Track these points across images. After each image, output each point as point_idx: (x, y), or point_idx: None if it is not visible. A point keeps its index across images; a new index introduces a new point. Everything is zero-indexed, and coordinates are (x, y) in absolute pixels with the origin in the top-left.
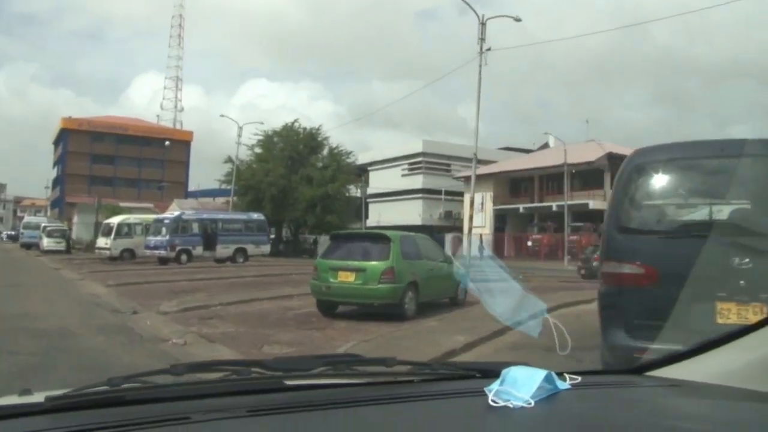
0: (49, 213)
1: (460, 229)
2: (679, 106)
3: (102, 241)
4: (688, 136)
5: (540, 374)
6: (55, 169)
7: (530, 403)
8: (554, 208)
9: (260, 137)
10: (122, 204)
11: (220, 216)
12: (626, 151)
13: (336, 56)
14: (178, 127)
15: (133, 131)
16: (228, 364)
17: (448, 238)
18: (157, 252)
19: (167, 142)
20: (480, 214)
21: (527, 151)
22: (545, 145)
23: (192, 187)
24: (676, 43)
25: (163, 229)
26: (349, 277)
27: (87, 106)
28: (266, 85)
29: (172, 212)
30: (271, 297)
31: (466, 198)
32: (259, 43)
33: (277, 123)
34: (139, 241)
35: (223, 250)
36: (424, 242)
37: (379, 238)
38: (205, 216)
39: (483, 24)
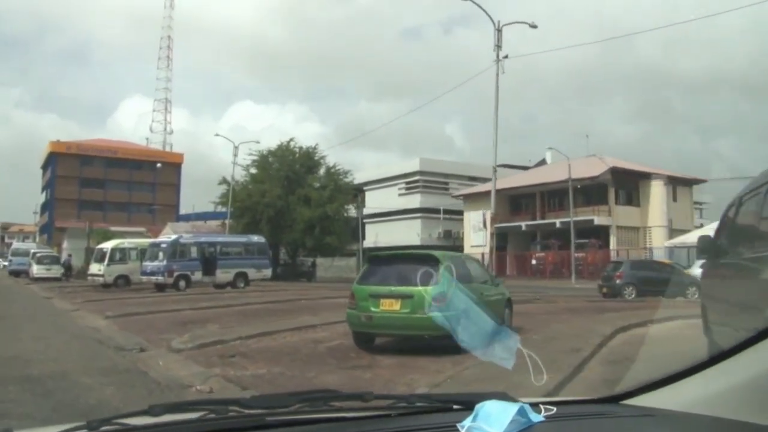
0: (37, 239)
1: (460, 249)
2: (664, 118)
3: (95, 268)
4: (675, 149)
5: (513, 408)
6: (44, 193)
7: None
8: (558, 225)
9: (255, 157)
10: (113, 228)
11: (220, 239)
12: (629, 166)
13: (321, 77)
14: (167, 149)
15: (123, 154)
16: (206, 403)
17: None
18: (153, 278)
19: (159, 164)
20: (481, 232)
21: (524, 168)
22: (542, 162)
23: (183, 210)
24: (658, 56)
25: (160, 254)
26: (393, 305)
27: (73, 130)
28: (252, 107)
29: (168, 236)
30: (292, 328)
31: (467, 216)
32: (244, 64)
33: (264, 145)
34: (133, 267)
35: (223, 275)
36: (470, 262)
37: (424, 259)
38: (203, 239)
39: (499, 30)
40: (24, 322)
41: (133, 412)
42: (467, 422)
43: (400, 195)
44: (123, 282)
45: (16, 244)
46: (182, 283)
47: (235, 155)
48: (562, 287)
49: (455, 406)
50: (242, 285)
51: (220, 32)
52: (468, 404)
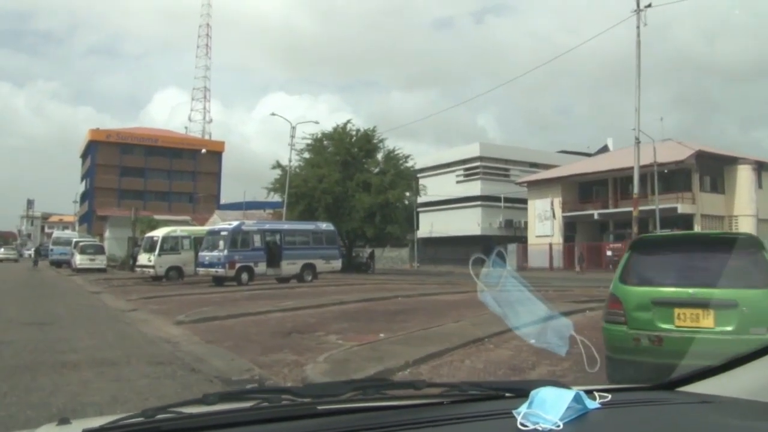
0: (77, 228)
1: (521, 239)
2: (702, 107)
3: (144, 258)
4: (713, 138)
5: (569, 394)
6: (83, 183)
7: (559, 426)
8: (635, 214)
9: (309, 141)
10: (157, 217)
11: (285, 226)
12: (715, 150)
13: (353, 69)
14: (206, 138)
15: (163, 142)
16: (259, 392)
17: (511, 248)
18: (212, 270)
19: (204, 150)
20: (547, 222)
21: (586, 155)
22: (604, 148)
23: (223, 200)
24: (697, 43)
25: (220, 243)
26: (703, 320)
27: (107, 122)
28: (285, 99)
29: (228, 223)
30: (458, 345)
31: (531, 205)
32: (276, 57)
33: (297, 135)
34: (187, 257)
35: (289, 266)
36: None
37: (739, 245)
38: (267, 227)
39: None
40: (75, 331)
41: (189, 401)
42: (523, 408)
43: (458, 182)
44: (175, 274)
45: (57, 233)
46: (245, 276)
47: (293, 136)
48: None
49: (507, 394)
50: (309, 278)
51: (251, 25)
52: (520, 392)
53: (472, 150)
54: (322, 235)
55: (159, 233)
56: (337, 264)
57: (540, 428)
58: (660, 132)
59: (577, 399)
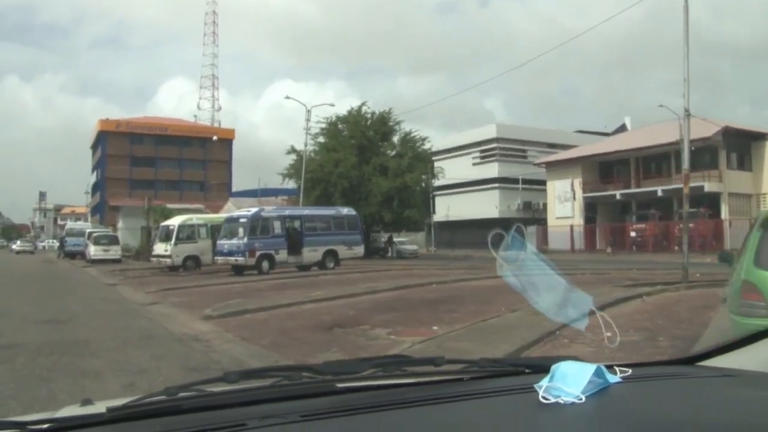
0: (90, 219)
1: (540, 221)
2: (712, 87)
3: (161, 248)
4: (724, 119)
5: (590, 369)
6: (94, 173)
7: (581, 399)
8: (660, 193)
9: (323, 125)
10: (170, 206)
11: (306, 212)
12: (742, 126)
13: (359, 55)
14: (216, 126)
15: (173, 131)
16: (280, 369)
17: (531, 230)
18: (231, 259)
19: (215, 137)
20: (567, 203)
21: (604, 135)
22: (622, 128)
23: (234, 188)
24: (707, 22)
25: (240, 230)
26: None
27: (115, 113)
28: (292, 86)
29: (248, 209)
30: (532, 341)
31: (550, 186)
32: (281, 45)
33: (302, 122)
34: (204, 246)
35: (310, 253)
36: None
37: None
38: (287, 213)
39: None
40: (94, 330)
41: (210, 379)
42: (544, 382)
43: (474, 164)
44: (193, 264)
45: (70, 224)
46: (265, 265)
47: (308, 119)
48: (679, 262)
49: (527, 370)
50: (332, 265)
51: (255, 13)
52: (539, 368)
53: (489, 131)
54: (343, 220)
55: (175, 222)
56: (360, 250)
57: (562, 401)
58: (678, 110)
59: (598, 373)
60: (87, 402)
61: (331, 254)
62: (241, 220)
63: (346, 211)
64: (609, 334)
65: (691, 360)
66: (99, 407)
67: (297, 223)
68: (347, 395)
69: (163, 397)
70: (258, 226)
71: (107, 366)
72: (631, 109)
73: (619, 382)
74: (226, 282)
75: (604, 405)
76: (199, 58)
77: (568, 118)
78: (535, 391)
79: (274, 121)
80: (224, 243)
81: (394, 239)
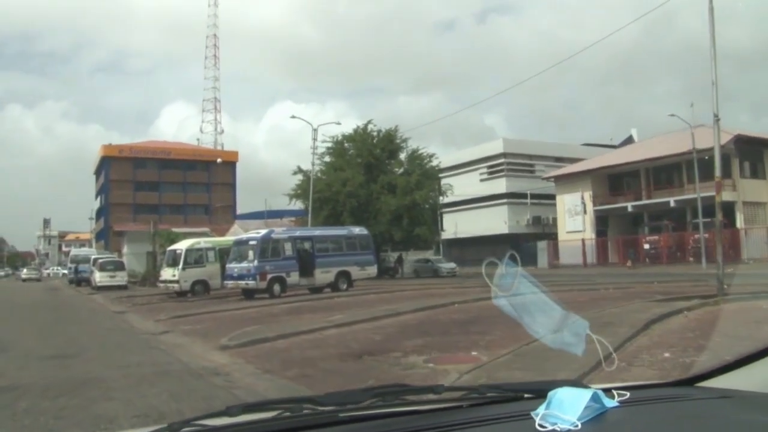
0: (94, 245)
1: (550, 236)
2: (710, 98)
3: (168, 273)
4: (728, 126)
5: (586, 394)
6: (98, 199)
7: (577, 426)
8: (672, 204)
9: (329, 144)
10: (175, 230)
11: (317, 233)
12: (755, 134)
13: (358, 75)
14: (219, 149)
15: (176, 155)
16: (281, 402)
17: (541, 246)
18: (242, 282)
19: (219, 159)
20: (578, 217)
21: (611, 147)
22: (629, 140)
23: (239, 210)
24: (702, 30)
25: (249, 253)
26: None
27: (117, 139)
28: (293, 108)
29: (258, 231)
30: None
31: (560, 200)
32: (281, 67)
33: (305, 143)
34: (212, 270)
35: (322, 275)
36: None
37: None
38: (298, 233)
39: None
40: (104, 366)
41: (212, 413)
42: (541, 410)
43: (481, 180)
44: (201, 288)
45: (75, 250)
46: (277, 288)
47: (315, 138)
48: (694, 273)
49: (526, 395)
50: (344, 286)
51: (254, 36)
52: (539, 392)
53: (496, 147)
54: (355, 240)
55: (182, 246)
56: (373, 270)
57: (558, 428)
58: (681, 120)
59: (594, 398)
60: None
61: (344, 275)
62: (251, 242)
63: (358, 230)
64: (606, 357)
65: (691, 381)
66: None
67: (308, 245)
68: (348, 425)
69: None
70: (268, 248)
71: (122, 410)
72: (635, 121)
73: (616, 407)
74: (237, 307)
75: (599, 431)
76: (199, 82)
77: (571, 132)
78: (532, 418)
79: (275, 143)
80: (234, 266)
81: (431, 258)
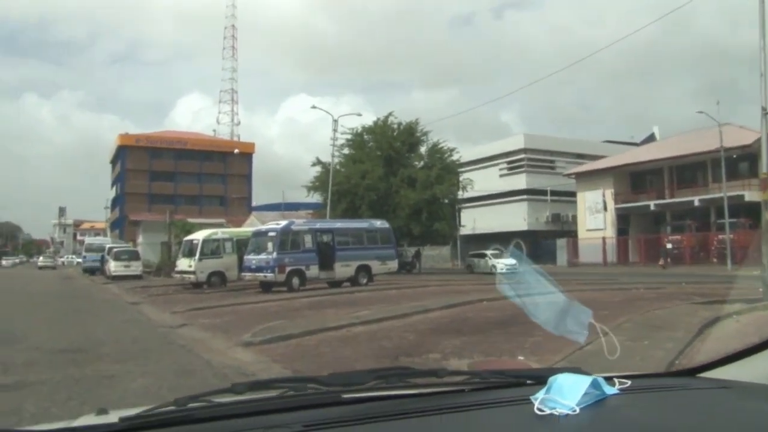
0: (109, 234)
1: (570, 234)
2: (727, 96)
3: (184, 263)
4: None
5: (586, 380)
6: (114, 188)
7: (575, 411)
8: (696, 203)
9: (349, 136)
10: (191, 220)
11: (338, 225)
12: None
13: (374, 69)
14: (235, 140)
15: (192, 145)
16: (286, 381)
17: (561, 244)
18: (260, 275)
19: (236, 150)
20: (599, 214)
21: (633, 145)
22: (651, 137)
23: (254, 202)
24: (720, 31)
25: (269, 245)
26: None
27: (131, 129)
28: (308, 100)
29: (277, 223)
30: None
31: (580, 197)
32: (296, 60)
33: (320, 136)
34: (229, 262)
35: (342, 268)
36: None
37: None
38: (318, 226)
39: None
40: (121, 363)
41: (218, 389)
42: (541, 394)
43: (501, 176)
44: (218, 280)
45: (90, 239)
46: (296, 281)
47: (335, 130)
48: (724, 275)
49: (528, 381)
50: (365, 281)
51: (270, 28)
52: (540, 379)
53: (516, 142)
54: (376, 233)
55: (199, 236)
56: (394, 265)
57: (557, 413)
58: (703, 120)
59: (594, 385)
60: (102, 411)
61: (364, 269)
62: (270, 233)
63: (379, 223)
64: (609, 345)
65: (692, 372)
66: (113, 417)
67: (328, 237)
68: (351, 406)
69: (173, 408)
70: (288, 240)
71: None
72: (651, 120)
73: (616, 394)
74: (257, 300)
75: (597, 417)
76: (213, 73)
77: (586, 130)
78: (532, 402)
79: (290, 135)
80: (252, 258)
81: (488, 253)
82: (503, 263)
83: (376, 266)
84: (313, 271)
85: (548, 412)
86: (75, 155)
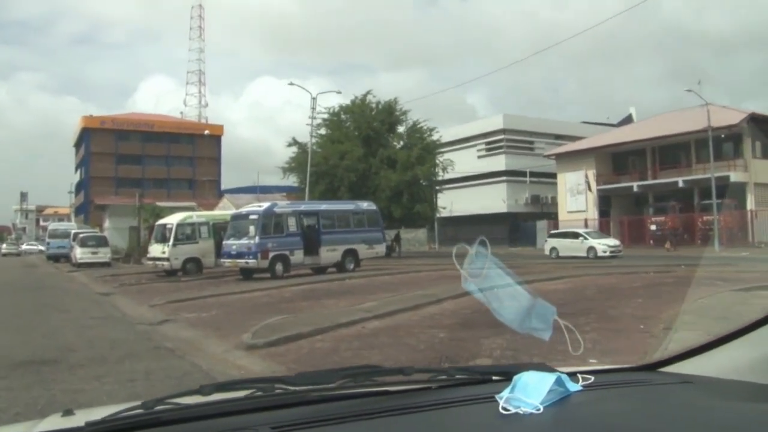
0: (74, 219)
1: (549, 216)
2: (693, 81)
3: (157, 250)
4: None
5: (550, 378)
6: (78, 172)
7: (539, 410)
8: (681, 184)
9: (325, 116)
10: (160, 204)
11: (323, 207)
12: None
13: (339, 51)
14: (203, 122)
15: (160, 128)
16: (253, 381)
17: (541, 226)
18: (241, 261)
19: (207, 132)
20: (580, 196)
21: (611, 126)
22: (628, 118)
23: (224, 186)
24: (686, 15)
25: (251, 228)
26: None
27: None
28: (274, 83)
29: (259, 205)
30: None
31: (561, 179)
32: (261, 41)
33: (287, 119)
34: (206, 247)
35: (328, 253)
36: None
37: None
38: (303, 208)
39: None
40: (96, 378)
41: (185, 391)
42: (505, 393)
43: (479, 157)
44: (194, 267)
45: (54, 225)
46: (279, 267)
47: (313, 108)
48: (716, 257)
49: (494, 378)
50: (351, 266)
51: (234, 10)
52: (507, 375)
53: (495, 122)
54: (363, 215)
55: (173, 220)
56: (381, 249)
57: (522, 412)
58: (676, 101)
59: (558, 382)
60: (68, 412)
61: (351, 254)
62: (252, 216)
63: (366, 205)
64: (572, 342)
65: (655, 366)
66: (79, 419)
67: (313, 220)
68: (318, 405)
69: (140, 411)
70: (271, 223)
71: None
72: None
73: (579, 391)
74: (241, 290)
75: (561, 415)
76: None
77: (559, 112)
78: (497, 401)
79: (256, 119)
80: (232, 243)
81: (581, 232)
82: (606, 245)
83: (363, 250)
84: (298, 256)
85: (513, 411)
86: (36, 139)
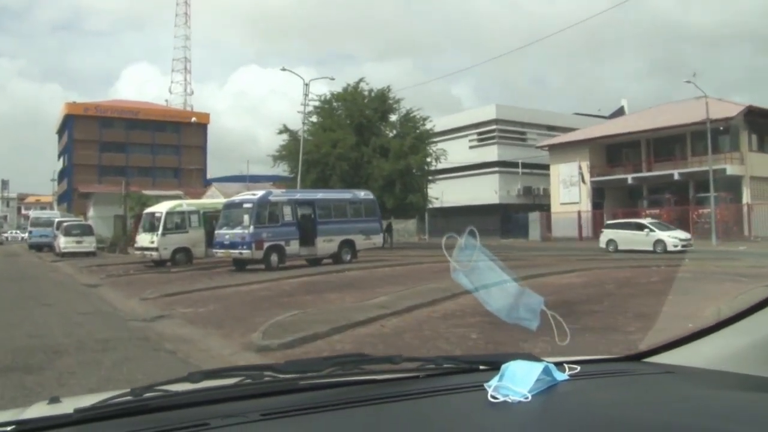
0: (56, 208)
1: (542, 207)
2: (677, 74)
3: (145, 239)
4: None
5: (538, 367)
6: (61, 160)
7: (527, 398)
8: (676, 177)
9: (317, 103)
10: (146, 192)
11: (319, 196)
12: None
13: (326, 40)
14: (189, 110)
15: (145, 115)
16: (242, 369)
17: (533, 217)
18: (234, 251)
19: (193, 119)
20: (574, 188)
21: (603, 118)
22: (620, 110)
23: (209, 174)
24: (671, 9)
25: (245, 218)
26: None
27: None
28: (258, 72)
29: (253, 193)
30: None
31: (554, 170)
32: (247, 30)
33: (272, 109)
34: (196, 237)
35: (325, 244)
36: None
37: None
38: (298, 196)
39: None
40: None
41: (174, 379)
42: (494, 382)
43: (471, 147)
44: (183, 257)
45: (36, 213)
46: (274, 258)
47: (306, 94)
48: (714, 250)
49: (482, 367)
50: (348, 257)
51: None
52: (494, 365)
53: (488, 113)
54: (360, 205)
55: (161, 208)
56: (379, 240)
57: (510, 400)
58: (681, 91)
59: (546, 371)
60: (55, 400)
61: (348, 245)
62: (246, 205)
63: (363, 194)
64: (559, 332)
65: (640, 356)
66: (67, 406)
67: (309, 210)
68: (307, 393)
69: (129, 398)
70: (265, 212)
71: None
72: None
73: (565, 380)
74: (238, 282)
75: (548, 403)
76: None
77: (548, 104)
78: (485, 389)
79: (241, 108)
80: (225, 233)
81: (646, 223)
82: (676, 238)
83: (360, 241)
84: (293, 247)
85: (501, 399)
86: (17, 126)
